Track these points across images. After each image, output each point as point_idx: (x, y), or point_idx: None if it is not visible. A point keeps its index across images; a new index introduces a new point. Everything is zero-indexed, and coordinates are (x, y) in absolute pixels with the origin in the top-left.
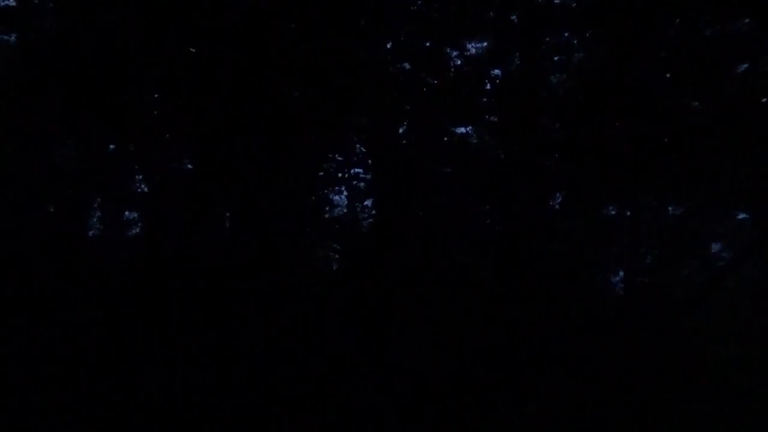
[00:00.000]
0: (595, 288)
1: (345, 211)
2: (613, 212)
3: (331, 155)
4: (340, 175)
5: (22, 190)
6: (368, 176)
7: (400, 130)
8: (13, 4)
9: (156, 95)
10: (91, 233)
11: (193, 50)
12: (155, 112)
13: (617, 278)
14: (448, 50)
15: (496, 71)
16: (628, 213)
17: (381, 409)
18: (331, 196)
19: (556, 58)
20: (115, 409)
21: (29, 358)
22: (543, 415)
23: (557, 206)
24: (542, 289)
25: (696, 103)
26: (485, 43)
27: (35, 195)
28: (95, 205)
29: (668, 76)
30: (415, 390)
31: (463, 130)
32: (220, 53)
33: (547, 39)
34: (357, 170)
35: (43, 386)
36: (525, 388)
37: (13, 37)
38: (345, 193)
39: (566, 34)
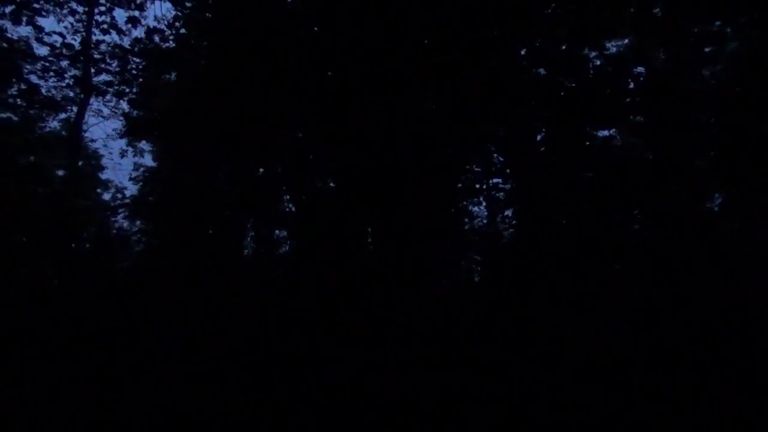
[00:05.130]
0: (762, 296)
1: (485, 221)
2: None
3: (469, 166)
4: (478, 186)
5: (185, 214)
6: (507, 186)
7: (539, 138)
8: (173, 45)
9: (299, 118)
10: (245, 251)
11: (330, 73)
12: (299, 135)
13: None
14: (586, 51)
15: (640, 68)
16: None
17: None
18: (470, 208)
19: (707, 50)
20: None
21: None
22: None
23: (715, 208)
24: (701, 298)
25: None
26: (626, 41)
27: (196, 217)
28: (248, 225)
29: None
30: (570, 407)
31: (605, 132)
32: (357, 71)
33: (696, 30)
34: (496, 180)
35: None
36: (688, 402)
37: (173, 75)
38: (484, 203)
39: (717, 23)
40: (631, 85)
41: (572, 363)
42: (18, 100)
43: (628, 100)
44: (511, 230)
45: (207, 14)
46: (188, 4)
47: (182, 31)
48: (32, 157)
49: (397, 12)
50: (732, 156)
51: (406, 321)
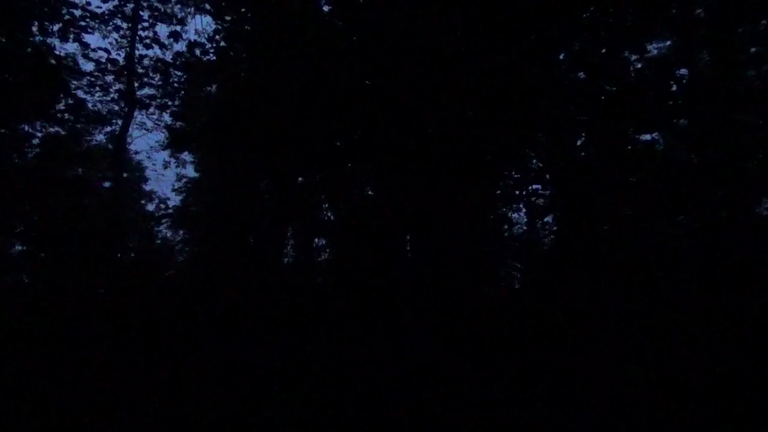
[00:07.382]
0: None
1: (525, 228)
2: None
3: (507, 173)
4: (518, 192)
5: (226, 223)
6: (547, 192)
7: (579, 143)
8: (214, 58)
9: (336, 128)
10: (285, 260)
11: (368, 83)
12: (337, 144)
13: None
14: (627, 54)
15: (683, 71)
16: None
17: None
18: (510, 214)
19: (752, 50)
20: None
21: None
22: None
23: (766, 212)
24: (752, 307)
25: None
26: (668, 42)
27: (237, 226)
28: (288, 234)
29: None
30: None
31: (648, 137)
32: (395, 79)
33: (740, 30)
34: (535, 187)
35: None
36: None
37: (214, 87)
38: (524, 210)
39: (764, 22)
40: (674, 88)
41: (616, 372)
42: (66, 114)
43: (671, 102)
44: (552, 237)
45: (246, 27)
46: (228, 18)
47: (222, 44)
48: (79, 170)
49: (435, 18)
50: None
51: (446, 328)
